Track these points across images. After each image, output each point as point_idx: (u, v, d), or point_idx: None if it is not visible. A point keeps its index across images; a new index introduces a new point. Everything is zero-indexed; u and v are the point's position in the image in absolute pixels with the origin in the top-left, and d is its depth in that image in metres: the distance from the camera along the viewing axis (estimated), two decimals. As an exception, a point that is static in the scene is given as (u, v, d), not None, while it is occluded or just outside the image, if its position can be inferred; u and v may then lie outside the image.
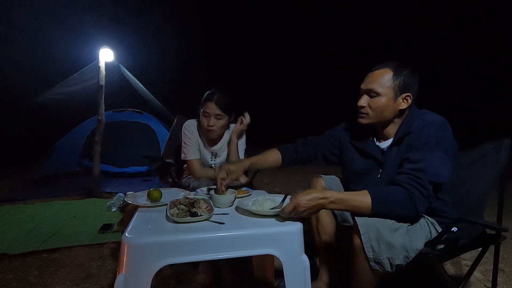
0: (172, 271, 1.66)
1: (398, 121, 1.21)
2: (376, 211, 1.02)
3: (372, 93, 1.18)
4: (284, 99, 12.80)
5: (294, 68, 13.51)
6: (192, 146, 1.82)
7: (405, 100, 1.17)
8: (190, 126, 1.86)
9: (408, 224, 1.08)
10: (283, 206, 1.07)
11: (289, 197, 1.12)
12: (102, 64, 3.24)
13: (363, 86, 1.21)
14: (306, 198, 1.00)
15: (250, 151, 2.52)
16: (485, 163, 1.29)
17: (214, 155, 1.91)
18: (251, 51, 13.23)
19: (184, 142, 1.85)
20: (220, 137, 1.86)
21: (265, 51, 13.26)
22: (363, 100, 1.20)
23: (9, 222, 2.42)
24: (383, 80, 1.16)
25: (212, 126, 1.72)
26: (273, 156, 1.45)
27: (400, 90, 1.15)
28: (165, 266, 0.88)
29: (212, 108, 1.71)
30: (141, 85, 4.14)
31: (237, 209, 1.17)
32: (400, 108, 1.18)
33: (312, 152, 1.47)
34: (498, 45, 8.94)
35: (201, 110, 1.76)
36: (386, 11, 11.21)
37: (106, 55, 3.25)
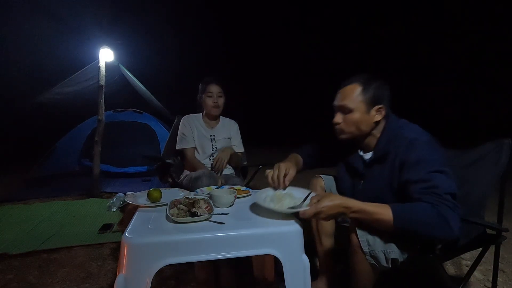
0: (172, 271, 1.66)
1: (376, 133, 1.22)
2: (399, 226, 0.96)
3: (345, 109, 1.19)
4: (286, 99, 12.80)
5: (297, 68, 13.51)
6: (188, 136, 2.07)
7: (378, 112, 1.18)
8: (188, 119, 2.13)
9: None
10: (304, 206, 1.06)
11: (312, 194, 1.11)
12: (102, 64, 3.24)
13: (335, 103, 1.23)
14: (329, 205, 0.99)
15: (252, 151, 2.53)
16: (486, 163, 1.29)
17: (213, 139, 2.11)
18: (253, 50, 13.23)
19: (182, 133, 2.08)
20: (217, 121, 2.16)
21: (267, 50, 13.25)
22: (338, 117, 1.22)
23: (9, 222, 2.43)
24: (353, 95, 1.17)
25: (216, 102, 2.05)
26: (299, 159, 1.48)
27: (372, 103, 1.16)
28: (165, 266, 0.88)
29: (214, 87, 2.05)
30: (141, 85, 4.14)
31: (252, 206, 1.16)
32: (375, 120, 1.19)
33: (316, 157, 1.51)
34: (498, 44, 8.94)
35: (204, 93, 2.06)
36: (386, 11, 11.22)
37: (106, 55, 3.25)
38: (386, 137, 1.18)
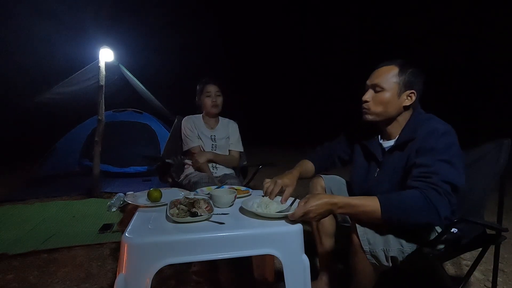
0: (172, 271, 1.66)
1: (401, 121, 1.22)
2: (387, 216, 0.97)
3: (377, 88, 1.19)
4: (286, 99, 12.79)
5: (297, 68, 13.49)
6: (192, 135, 2.08)
7: (409, 97, 1.18)
8: (188, 120, 2.14)
9: None
10: (291, 210, 1.07)
11: (297, 201, 1.12)
12: (102, 64, 3.24)
13: (368, 82, 1.23)
14: (316, 204, 0.99)
15: (252, 151, 2.53)
16: (485, 163, 1.29)
17: (213, 138, 2.13)
18: (253, 50, 13.22)
19: (185, 135, 2.10)
20: (217, 122, 2.19)
21: (266, 50, 13.24)
22: (368, 95, 1.22)
23: (9, 222, 2.43)
24: (388, 76, 1.18)
25: (215, 101, 2.08)
26: (309, 166, 1.48)
27: (405, 86, 1.17)
28: (165, 266, 0.88)
29: (212, 87, 2.08)
30: (141, 85, 4.14)
31: (241, 210, 1.15)
32: (404, 105, 1.18)
33: (331, 158, 1.51)
34: (498, 44, 8.94)
35: (202, 94, 2.09)
36: (386, 11, 11.21)
37: (106, 55, 3.25)
38: (412, 125, 1.17)
